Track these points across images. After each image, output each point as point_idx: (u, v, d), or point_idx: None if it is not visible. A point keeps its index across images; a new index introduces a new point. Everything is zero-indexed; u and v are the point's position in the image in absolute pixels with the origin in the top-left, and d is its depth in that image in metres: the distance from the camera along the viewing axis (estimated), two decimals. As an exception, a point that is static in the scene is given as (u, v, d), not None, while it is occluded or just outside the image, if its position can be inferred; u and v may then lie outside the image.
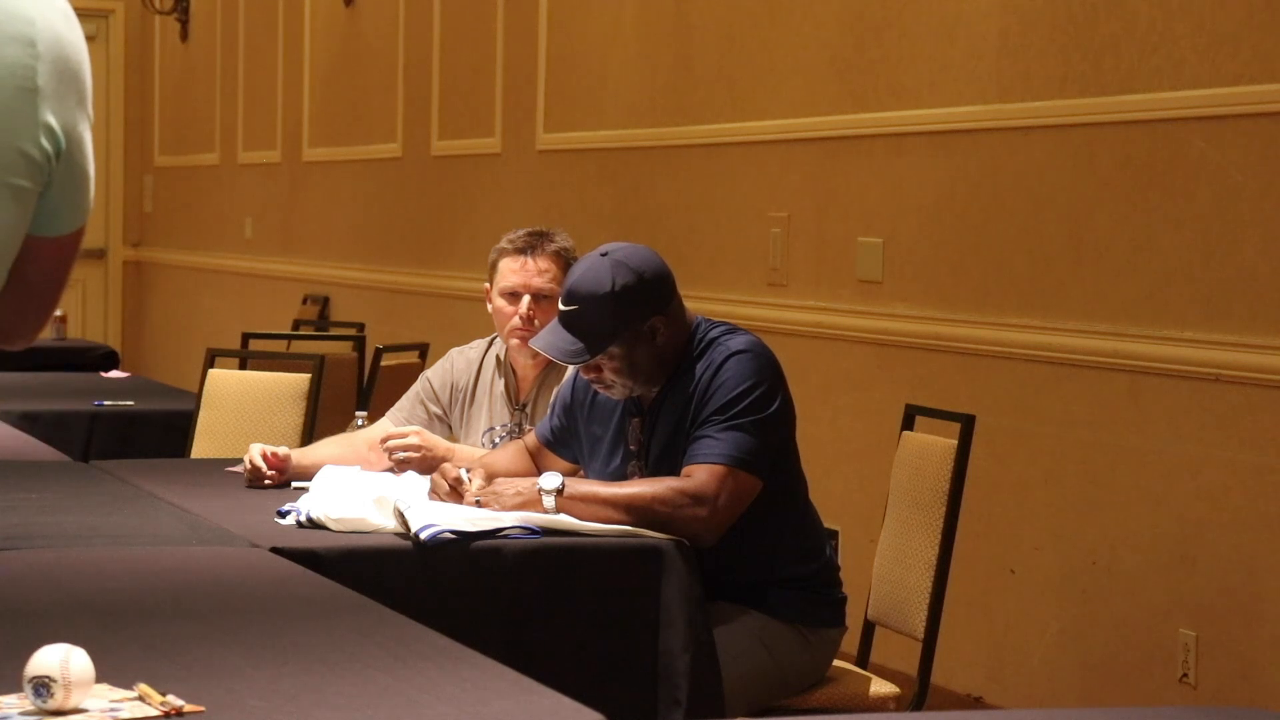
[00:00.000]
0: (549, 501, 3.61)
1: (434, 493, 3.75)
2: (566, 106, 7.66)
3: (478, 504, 3.65)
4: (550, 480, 3.63)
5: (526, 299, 4.29)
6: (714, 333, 3.77)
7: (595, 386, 3.81)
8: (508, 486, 3.69)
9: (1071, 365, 5.10)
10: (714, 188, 6.62)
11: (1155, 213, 4.86)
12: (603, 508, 3.60)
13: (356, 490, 3.72)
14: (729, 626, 3.70)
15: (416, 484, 3.89)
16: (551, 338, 3.75)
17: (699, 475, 3.62)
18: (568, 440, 3.98)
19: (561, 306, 3.76)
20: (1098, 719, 3.17)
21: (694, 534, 3.60)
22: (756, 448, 3.65)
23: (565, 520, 3.58)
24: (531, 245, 4.34)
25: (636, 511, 3.59)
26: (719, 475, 3.62)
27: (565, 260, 4.33)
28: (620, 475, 3.81)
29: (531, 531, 3.52)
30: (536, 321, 4.26)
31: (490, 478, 3.76)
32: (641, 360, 3.73)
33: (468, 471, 3.75)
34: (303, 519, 3.65)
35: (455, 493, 3.70)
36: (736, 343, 3.73)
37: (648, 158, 7.05)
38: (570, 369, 4.07)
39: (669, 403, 3.76)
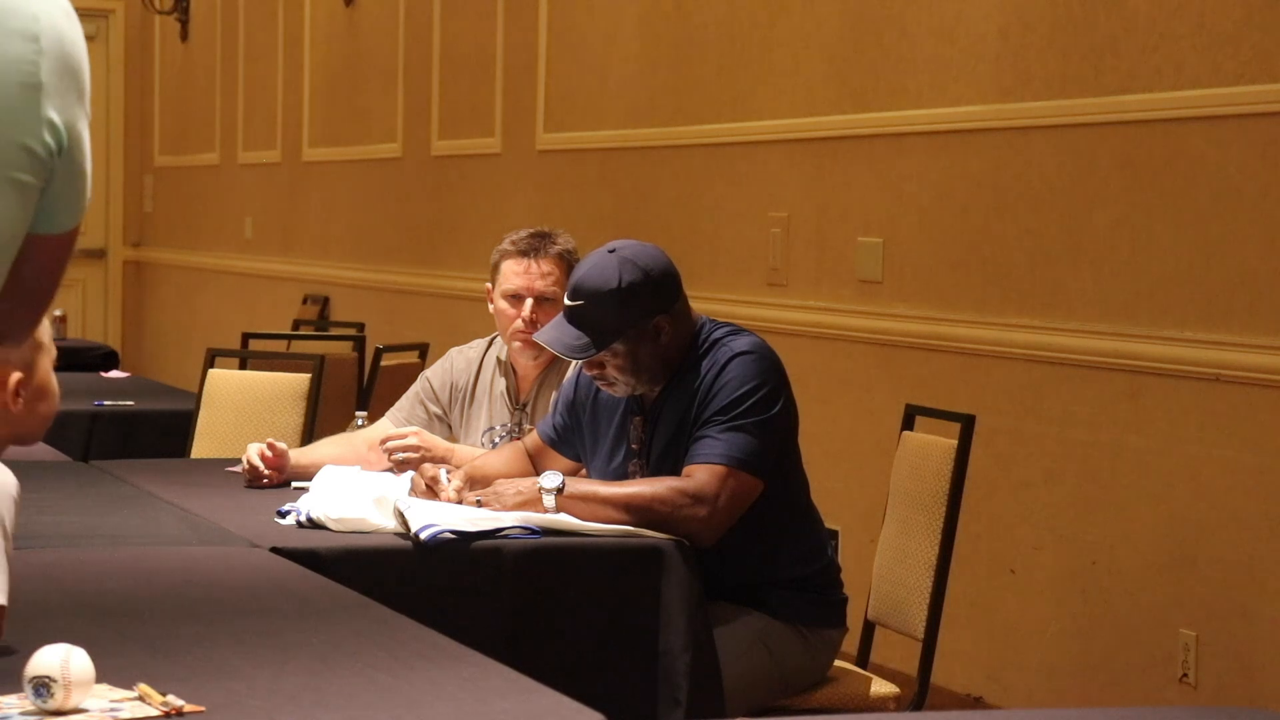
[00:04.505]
0: (549, 501, 3.61)
1: (413, 491, 3.76)
2: (566, 106, 7.66)
3: (478, 504, 3.65)
4: (551, 479, 3.63)
5: (530, 302, 4.29)
6: (718, 333, 3.78)
7: (598, 384, 3.81)
8: (508, 486, 3.69)
9: (1071, 365, 5.10)
10: (714, 188, 6.62)
11: (1155, 213, 4.86)
12: (603, 507, 3.60)
13: (356, 490, 3.72)
14: (729, 626, 3.70)
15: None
16: (556, 333, 3.75)
17: (699, 475, 3.63)
18: (570, 438, 3.98)
19: (567, 301, 3.77)
20: (1098, 719, 3.17)
21: (693, 534, 3.60)
22: (758, 449, 3.65)
23: (565, 520, 3.58)
24: (535, 247, 4.33)
25: (636, 511, 3.59)
26: (719, 475, 3.62)
27: (568, 262, 4.33)
28: (621, 474, 3.81)
29: (531, 531, 3.52)
30: (539, 324, 4.26)
31: (474, 480, 3.76)
32: (645, 358, 3.73)
33: (447, 472, 3.76)
34: (303, 519, 3.65)
35: (431, 491, 3.71)
36: (740, 343, 3.73)
37: (648, 158, 7.05)
38: (573, 367, 4.07)
39: (671, 402, 3.76)
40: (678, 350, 3.77)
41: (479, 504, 3.65)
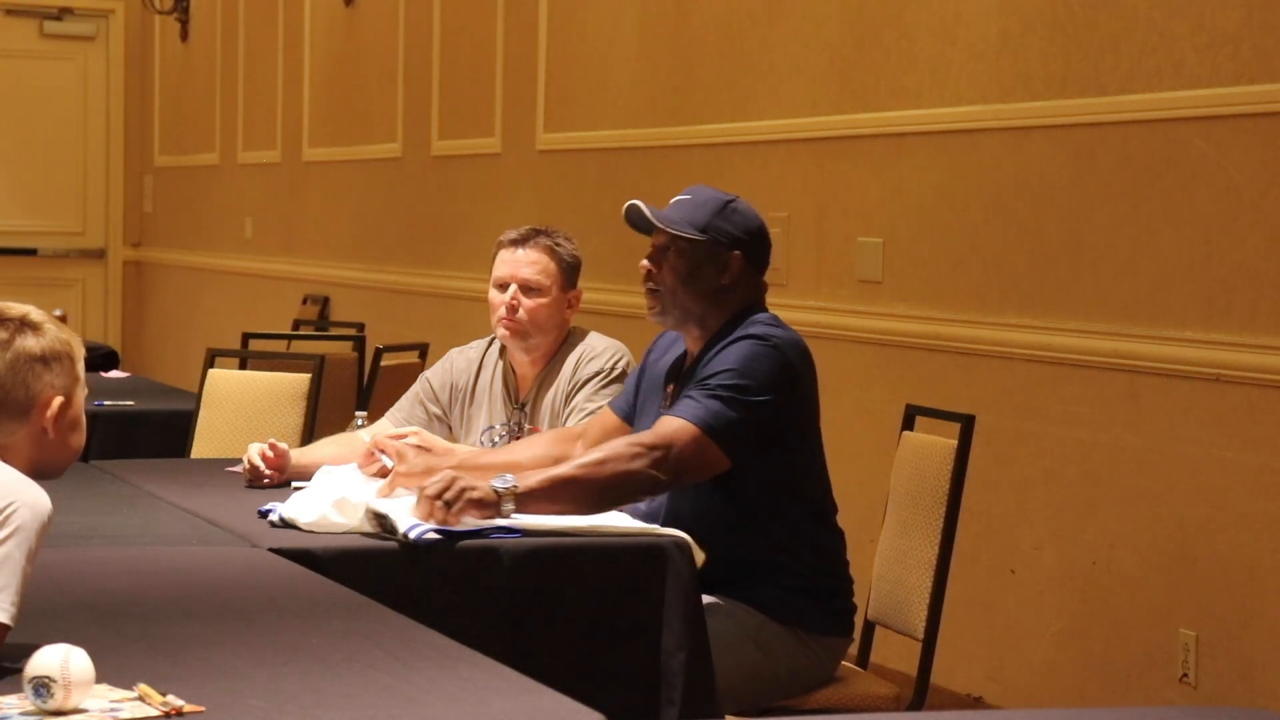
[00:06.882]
0: (508, 506, 3.54)
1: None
2: (566, 106, 7.66)
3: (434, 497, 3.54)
4: (503, 480, 3.57)
5: (513, 288, 4.31)
6: (761, 316, 3.83)
7: (647, 286, 3.85)
8: (468, 483, 3.55)
9: (1071, 365, 5.10)
10: (714, 187, 6.62)
11: (1155, 213, 4.86)
12: (565, 487, 3.57)
13: (327, 491, 3.67)
14: (721, 622, 3.69)
15: (378, 488, 3.82)
16: (653, 208, 3.88)
17: (665, 426, 3.68)
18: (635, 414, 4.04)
19: (676, 198, 3.91)
20: (1098, 719, 3.17)
21: (648, 480, 3.60)
22: (732, 421, 3.67)
23: (541, 521, 3.52)
24: (525, 239, 4.39)
25: (592, 477, 3.58)
26: (687, 431, 3.65)
27: (559, 256, 4.36)
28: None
29: (511, 531, 3.47)
30: (521, 313, 4.28)
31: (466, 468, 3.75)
32: (700, 284, 3.81)
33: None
34: (275, 519, 3.63)
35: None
36: (760, 329, 3.78)
37: (648, 158, 7.05)
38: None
39: (699, 373, 3.79)
40: (726, 308, 3.82)
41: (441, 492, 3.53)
